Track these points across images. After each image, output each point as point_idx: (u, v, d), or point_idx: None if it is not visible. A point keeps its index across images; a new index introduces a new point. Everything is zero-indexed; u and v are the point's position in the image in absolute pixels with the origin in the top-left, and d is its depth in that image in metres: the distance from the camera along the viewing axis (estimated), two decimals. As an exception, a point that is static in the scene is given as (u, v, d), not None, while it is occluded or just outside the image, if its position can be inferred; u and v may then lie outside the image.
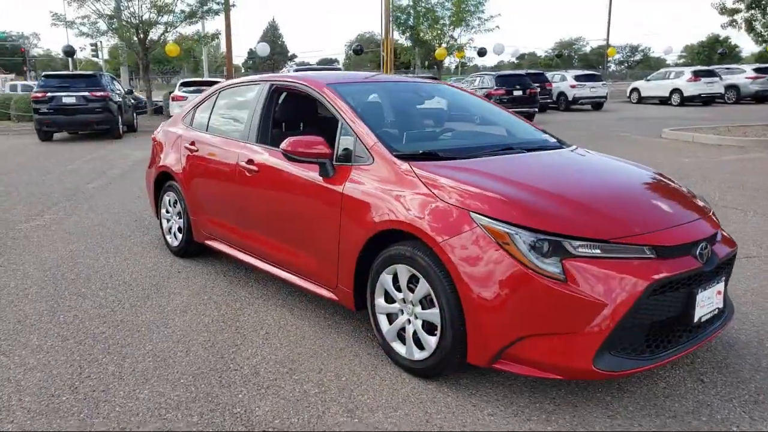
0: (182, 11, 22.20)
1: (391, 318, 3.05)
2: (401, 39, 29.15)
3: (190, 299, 4.12)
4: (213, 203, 4.45)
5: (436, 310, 2.70)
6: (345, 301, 3.32)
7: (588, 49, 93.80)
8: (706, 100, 26.34)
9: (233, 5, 22.42)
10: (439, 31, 26.56)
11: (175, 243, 5.08)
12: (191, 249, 4.96)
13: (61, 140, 15.75)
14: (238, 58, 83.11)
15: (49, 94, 14.93)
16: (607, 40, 32.85)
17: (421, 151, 3.19)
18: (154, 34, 22.07)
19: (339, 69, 18.05)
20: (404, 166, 2.99)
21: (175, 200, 5.01)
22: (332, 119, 5.12)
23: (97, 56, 34.12)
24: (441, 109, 4.23)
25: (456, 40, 27.45)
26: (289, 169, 3.60)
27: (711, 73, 27.00)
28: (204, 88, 15.99)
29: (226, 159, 4.25)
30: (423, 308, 2.81)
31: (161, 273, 4.69)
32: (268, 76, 4.32)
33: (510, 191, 2.69)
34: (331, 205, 3.27)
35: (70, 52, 24.79)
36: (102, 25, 21.34)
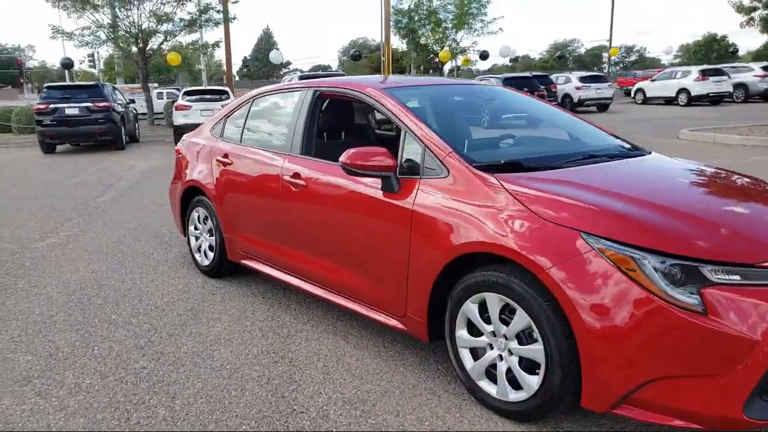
0: (182, 19, 21.90)
1: (475, 353, 2.71)
2: (401, 44, 28.90)
3: (232, 326, 3.78)
4: (251, 220, 4.12)
5: (538, 346, 2.36)
6: (416, 331, 2.98)
7: (582, 50, 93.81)
8: (715, 100, 26.08)
9: (233, 18, 22.17)
10: (440, 35, 26.30)
11: (206, 262, 4.74)
12: (224, 268, 4.62)
13: (64, 152, 15.40)
14: (233, 66, 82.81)
15: (51, 105, 14.60)
16: (610, 40, 32.66)
17: (502, 161, 2.86)
18: (153, 43, 21.76)
19: (342, 74, 17.75)
20: (491, 179, 2.65)
21: (206, 216, 4.67)
22: (374, 127, 4.82)
23: (94, 67, 33.86)
24: (506, 113, 3.91)
25: (458, 43, 27.21)
26: (343, 183, 3.27)
27: (719, 72, 26.75)
28: (208, 96, 15.66)
29: (265, 172, 3.92)
30: (521, 343, 2.47)
31: (194, 296, 4.35)
32: (309, 82, 3.99)
33: (624, 207, 2.36)
34: (397, 224, 2.94)
35: (68, 64, 24.42)
36: (102, 35, 21.01)
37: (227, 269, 4.65)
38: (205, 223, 4.71)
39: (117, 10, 20.50)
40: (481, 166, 2.76)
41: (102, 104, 14.81)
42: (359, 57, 28.87)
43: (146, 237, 6.18)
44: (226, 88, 16.84)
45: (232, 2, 22.05)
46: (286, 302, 4.18)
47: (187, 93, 16.09)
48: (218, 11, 21.75)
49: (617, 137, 3.67)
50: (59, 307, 4.17)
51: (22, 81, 48.57)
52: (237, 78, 78.76)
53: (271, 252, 3.98)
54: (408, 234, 2.88)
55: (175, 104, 15.80)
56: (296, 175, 3.62)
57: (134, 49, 21.37)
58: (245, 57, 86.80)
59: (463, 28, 26.28)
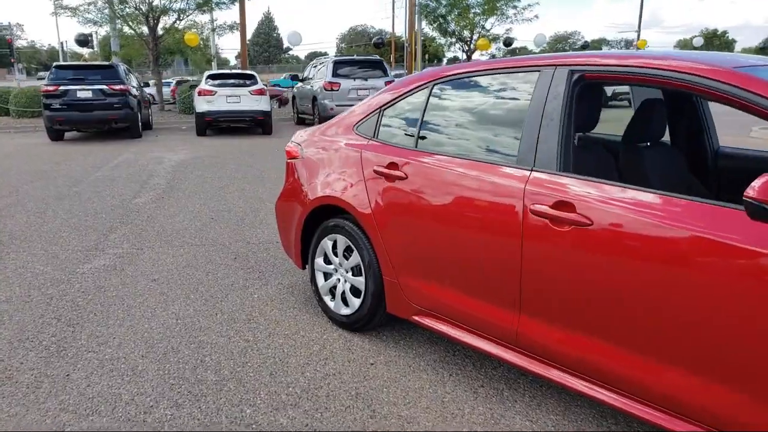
0: (194, -3, 20.32)
1: None
2: (428, 30, 27.41)
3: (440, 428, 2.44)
4: (445, 263, 2.77)
5: None
6: None
7: (581, 43, 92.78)
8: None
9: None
10: (468, 21, 24.81)
11: (345, 310, 3.39)
12: (374, 321, 3.28)
13: (73, 140, 13.91)
14: (233, 50, 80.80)
15: (61, 87, 13.10)
16: (638, 31, 31.29)
17: None
18: (165, 21, 20.18)
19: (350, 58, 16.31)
20: None
21: (348, 248, 3.33)
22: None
23: (92, 47, 32.05)
24: None
25: (488, 30, 25.76)
26: (698, 230, 1.93)
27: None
28: (232, 81, 14.22)
29: (484, 196, 2.57)
30: None
31: (346, 368, 3.01)
32: (555, 58, 2.60)
33: None
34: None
35: (84, 41, 22.32)
36: (109, 12, 19.36)
37: (378, 322, 3.31)
38: (346, 257, 3.36)
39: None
40: None
41: (118, 87, 13.33)
42: (382, 44, 27.18)
43: (224, 259, 4.81)
44: (254, 73, 15.36)
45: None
46: (494, 386, 2.85)
47: (211, 77, 14.61)
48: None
49: None
50: (153, 387, 2.82)
51: (13, 60, 46.35)
52: (236, 62, 76.88)
53: (486, 317, 2.63)
54: None
55: (198, 89, 14.32)
56: (562, 206, 2.27)
57: (145, 29, 19.75)
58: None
59: (494, 14, 24.81)
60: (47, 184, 8.20)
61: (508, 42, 27.24)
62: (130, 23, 19.90)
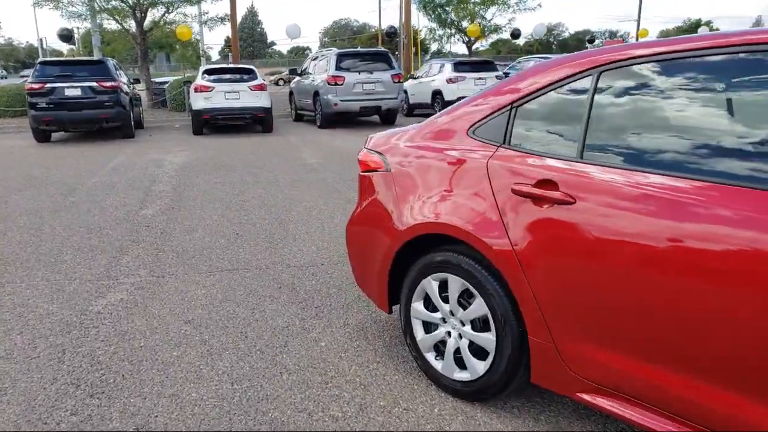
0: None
1: None
2: (426, 20, 26.53)
3: None
4: (652, 326, 1.96)
5: None
6: None
7: (567, 34, 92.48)
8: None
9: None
10: (469, 11, 23.94)
11: (461, 375, 2.58)
12: (507, 391, 2.47)
13: (62, 141, 12.92)
14: (216, 45, 79.33)
15: (48, 85, 12.09)
16: (638, 21, 30.70)
17: None
18: (153, 14, 19.14)
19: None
20: None
21: (466, 291, 2.52)
22: None
23: (74, 44, 30.79)
24: None
25: (489, 21, 24.92)
26: None
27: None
28: (228, 77, 13.30)
29: (725, 235, 1.76)
30: None
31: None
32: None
33: None
34: None
35: (68, 36, 21.02)
36: (96, 5, 18.27)
37: (510, 390, 2.50)
38: (462, 305, 2.55)
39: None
40: None
41: (109, 84, 12.35)
42: (394, 34, 25.84)
43: (266, 289, 3.97)
44: (252, 67, 14.43)
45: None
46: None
47: (208, 72, 13.67)
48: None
49: None
50: None
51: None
52: (218, 57, 75.53)
53: (722, 409, 1.83)
54: None
55: (194, 85, 13.39)
56: None
57: (132, 23, 18.69)
58: (227, 37, 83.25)
59: (495, 4, 23.97)
60: (39, 193, 7.28)
61: (515, 34, 26.41)
62: (116, 17, 18.84)
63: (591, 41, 32.97)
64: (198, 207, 6.44)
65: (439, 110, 16.83)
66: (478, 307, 2.47)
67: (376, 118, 15.37)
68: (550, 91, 2.38)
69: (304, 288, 4.00)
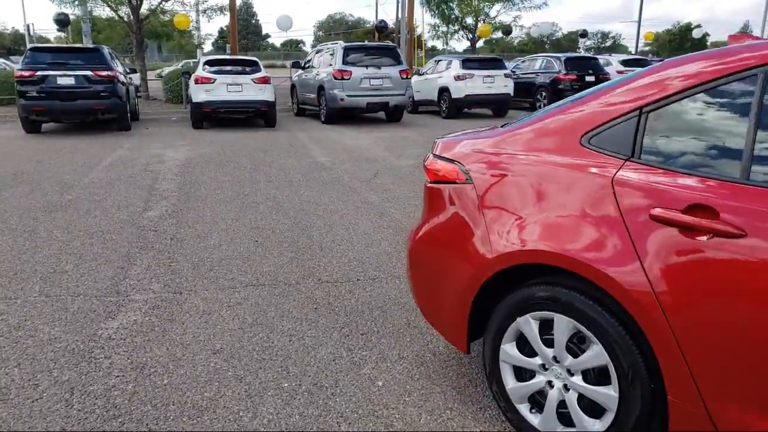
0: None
1: None
2: (428, 16, 25.97)
3: None
4: None
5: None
6: None
7: (560, 34, 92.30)
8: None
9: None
10: (473, 8, 23.43)
11: (567, 435, 2.10)
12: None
13: (53, 132, 12.29)
14: (209, 37, 78.14)
15: (39, 73, 11.46)
16: (639, 21, 30.30)
17: None
18: (149, 2, 18.49)
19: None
20: None
21: (577, 335, 2.04)
22: None
23: (66, 32, 29.98)
24: None
25: (494, 18, 24.44)
26: None
27: None
28: (229, 68, 12.74)
29: None
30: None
31: None
32: None
33: None
34: None
35: (64, 21, 20.14)
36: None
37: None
38: (572, 351, 2.08)
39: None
40: None
41: (105, 73, 11.75)
42: (384, 28, 24.89)
43: (301, 310, 3.48)
44: (255, 59, 13.87)
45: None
46: None
47: (209, 63, 13.08)
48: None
49: None
50: None
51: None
52: (212, 49, 74.55)
53: None
54: None
55: (195, 76, 12.81)
56: None
57: (127, 10, 18.01)
58: (221, 28, 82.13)
59: (499, 1, 23.49)
60: (32, 190, 6.73)
61: (507, 31, 25.90)
62: (110, 3, 18.17)
63: (583, 35, 32.47)
64: (208, 209, 5.92)
65: (446, 108, 16.20)
66: (595, 355, 1.99)
67: (381, 114, 14.86)
68: (695, 93, 1.90)
69: (344, 309, 3.51)
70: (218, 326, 3.27)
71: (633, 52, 38.69)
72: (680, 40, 71.34)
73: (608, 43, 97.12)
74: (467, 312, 2.34)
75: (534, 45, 76.30)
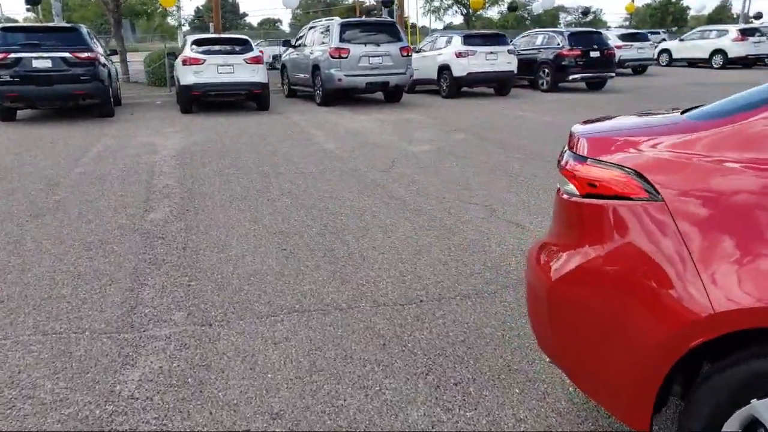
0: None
1: None
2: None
3: None
4: None
5: None
6: None
7: (541, 10, 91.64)
8: (750, 62, 23.85)
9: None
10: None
11: None
12: None
13: (31, 120, 11.35)
14: (184, 17, 75.91)
15: (12, 55, 10.47)
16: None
17: None
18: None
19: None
20: None
21: None
22: None
23: (38, 14, 28.60)
24: None
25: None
26: None
27: (756, 32, 24.56)
28: (218, 48, 11.86)
29: None
30: None
31: None
32: None
33: None
34: None
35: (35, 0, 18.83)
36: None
37: None
38: None
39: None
40: None
41: (84, 55, 10.79)
42: (391, 2, 23.54)
43: (365, 349, 2.80)
44: (246, 37, 12.96)
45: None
46: None
47: (197, 43, 12.17)
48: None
49: None
50: None
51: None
52: (188, 28, 72.52)
53: None
54: None
55: (182, 57, 11.91)
56: None
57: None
58: (198, 7, 79.86)
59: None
60: (14, 189, 5.91)
61: (512, 6, 25.12)
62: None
63: (585, 13, 31.98)
64: (218, 209, 5.18)
65: (447, 86, 15.45)
66: None
67: (378, 95, 14.09)
68: None
69: (418, 345, 2.83)
70: (269, 376, 2.57)
71: (610, 27, 38.18)
72: (662, 14, 70.94)
73: (589, 18, 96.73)
74: (658, 384, 1.67)
75: (516, 22, 75.45)
